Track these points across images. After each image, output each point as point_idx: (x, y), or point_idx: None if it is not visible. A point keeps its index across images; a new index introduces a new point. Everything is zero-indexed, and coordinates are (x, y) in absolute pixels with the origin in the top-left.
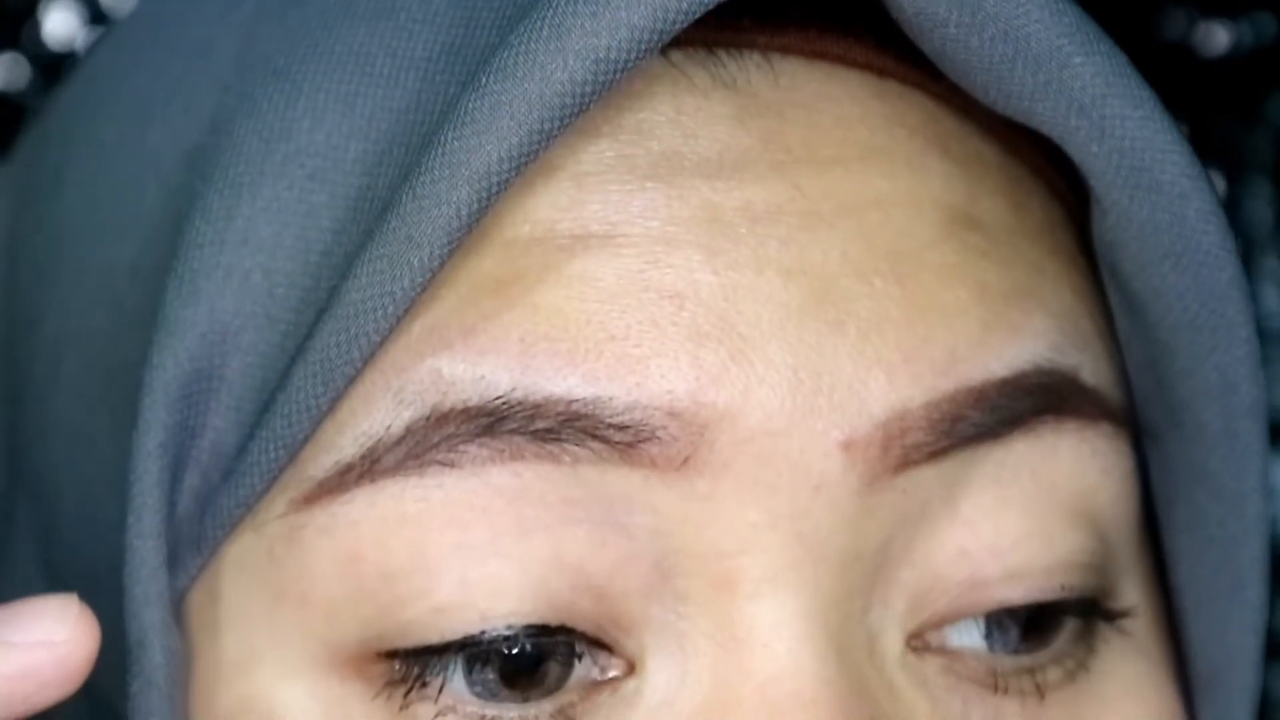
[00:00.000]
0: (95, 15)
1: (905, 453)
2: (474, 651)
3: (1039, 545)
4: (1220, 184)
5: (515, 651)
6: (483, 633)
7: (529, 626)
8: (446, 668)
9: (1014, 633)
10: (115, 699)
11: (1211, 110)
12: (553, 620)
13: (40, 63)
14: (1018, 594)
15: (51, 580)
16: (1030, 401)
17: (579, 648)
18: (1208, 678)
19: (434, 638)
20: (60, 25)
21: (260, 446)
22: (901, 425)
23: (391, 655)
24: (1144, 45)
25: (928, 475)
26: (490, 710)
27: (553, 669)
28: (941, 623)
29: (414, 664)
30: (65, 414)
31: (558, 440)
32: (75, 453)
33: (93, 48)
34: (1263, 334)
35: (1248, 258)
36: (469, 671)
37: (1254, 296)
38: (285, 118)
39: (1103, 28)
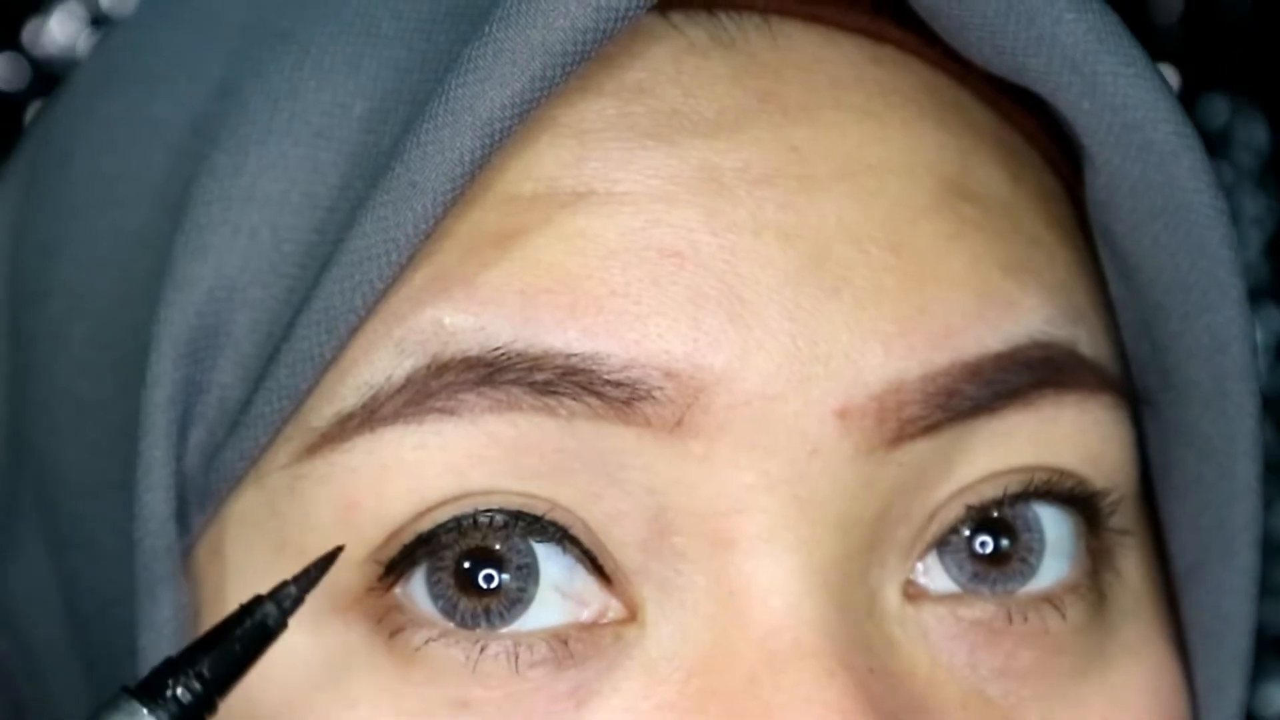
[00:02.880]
0: (97, 17)
1: (901, 426)
2: (466, 547)
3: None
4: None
5: (504, 547)
6: (475, 510)
7: (522, 513)
8: (438, 584)
9: (994, 515)
10: (115, 666)
11: None
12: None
13: (41, 63)
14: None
15: (54, 555)
16: (1028, 375)
17: (570, 550)
18: (1203, 646)
19: (425, 525)
20: (62, 26)
21: (264, 398)
22: (897, 398)
23: (384, 576)
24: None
25: (923, 448)
26: (485, 637)
27: (549, 593)
28: (927, 552)
29: (401, 573)
30: (70, 385)
31: (555, 393)
32: (80, 422)
33: (101, 37)
34: None
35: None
36: (458, 586)
37: None
38: (292, 79)
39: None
